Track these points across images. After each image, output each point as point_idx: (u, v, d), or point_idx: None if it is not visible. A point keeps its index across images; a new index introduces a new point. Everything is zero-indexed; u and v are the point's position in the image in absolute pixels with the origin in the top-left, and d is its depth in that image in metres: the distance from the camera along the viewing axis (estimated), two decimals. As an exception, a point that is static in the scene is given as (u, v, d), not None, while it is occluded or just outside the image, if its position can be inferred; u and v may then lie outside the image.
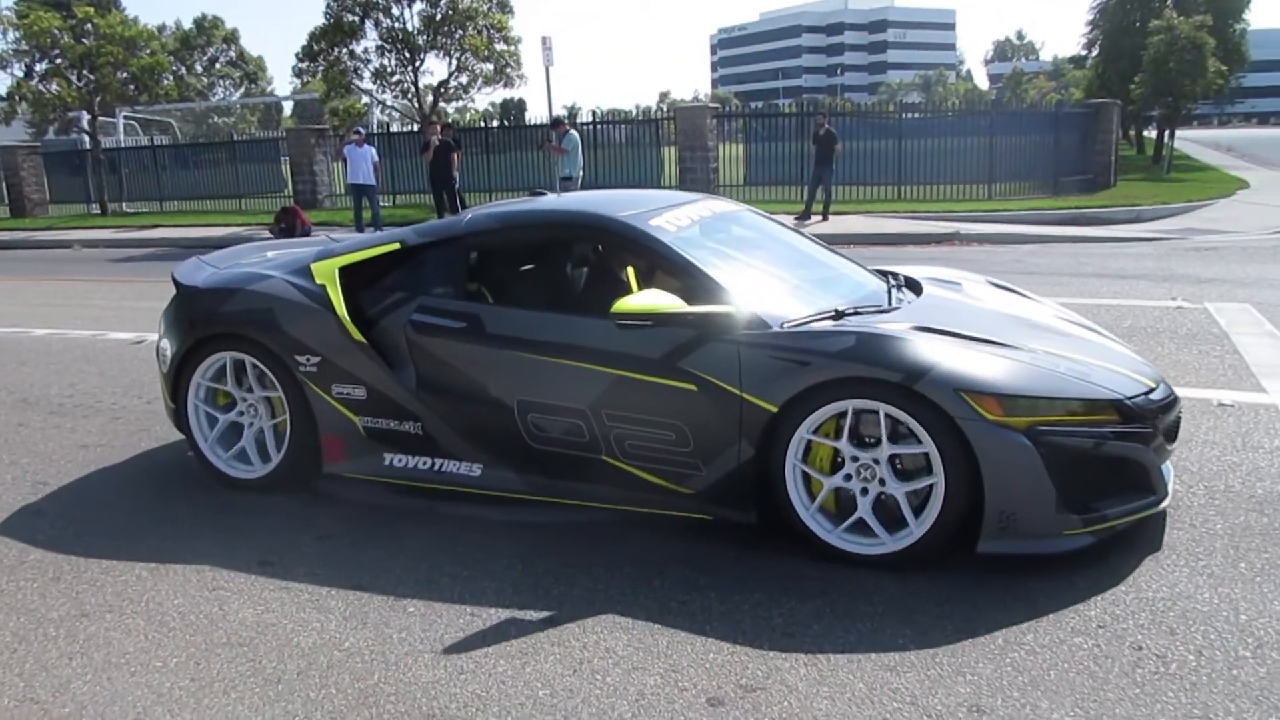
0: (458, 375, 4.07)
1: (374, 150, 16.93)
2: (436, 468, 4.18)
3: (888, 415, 3.38)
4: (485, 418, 4.03)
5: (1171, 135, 28.39)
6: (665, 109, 56.59)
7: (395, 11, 21.52)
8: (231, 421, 4.52)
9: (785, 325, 3.65)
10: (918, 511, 3.42)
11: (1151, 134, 35.46)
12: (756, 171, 20.77)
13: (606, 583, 3.50)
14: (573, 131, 16.58)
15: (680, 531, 3.84)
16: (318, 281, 4.30)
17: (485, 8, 21.73)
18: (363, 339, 4.17)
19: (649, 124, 22.08)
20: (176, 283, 4.67)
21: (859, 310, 3.91)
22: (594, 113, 34.98)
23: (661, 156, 20.79)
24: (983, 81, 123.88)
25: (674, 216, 4.25)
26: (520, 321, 4.05)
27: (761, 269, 4.38)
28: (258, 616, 3.33)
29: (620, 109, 67.50)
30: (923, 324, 3.73)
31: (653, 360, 3.69)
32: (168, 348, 4.54)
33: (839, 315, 3.78)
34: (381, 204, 17.98)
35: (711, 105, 23.06)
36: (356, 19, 21.50)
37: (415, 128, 22.16)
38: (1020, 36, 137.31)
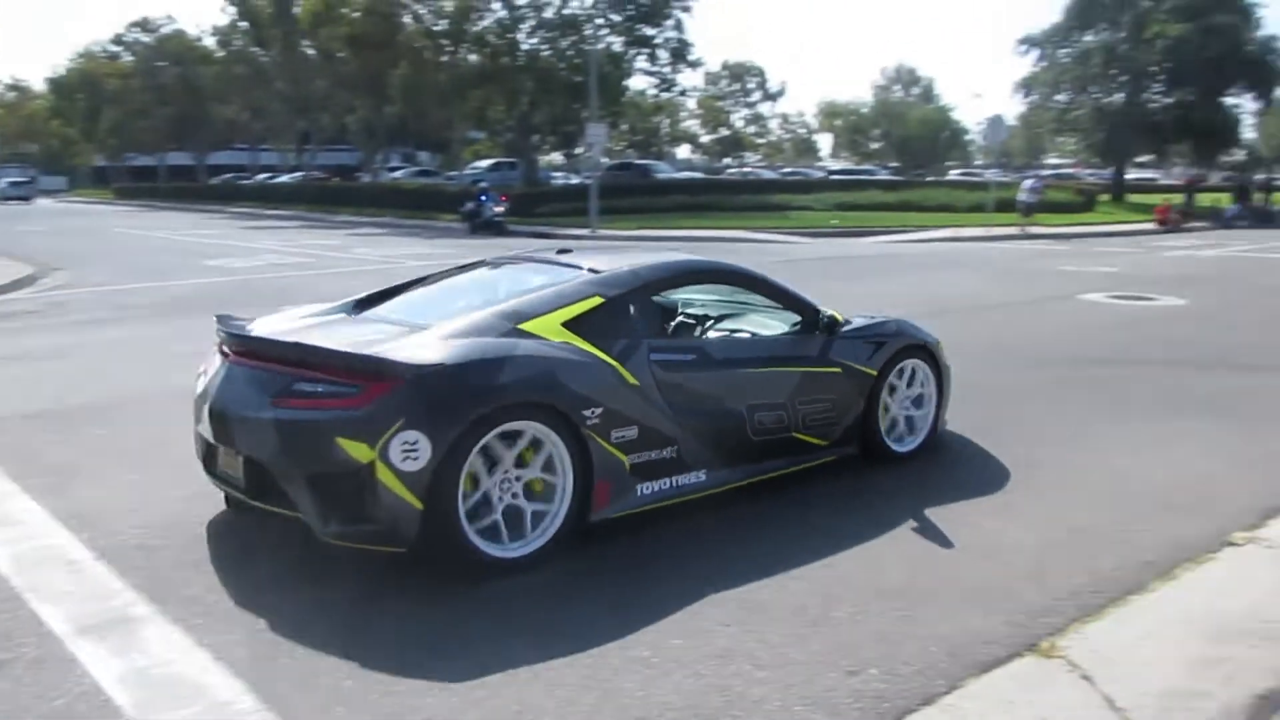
0: (700, 397, 4.82)
1: None
2: (675, 485, 4.72)
3: (922, 366, 5.87)
4: (723, 426, 4.90)
5: None
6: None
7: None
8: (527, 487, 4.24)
9: (850, 323, 5.67)
10: (921, 421, 5.92)
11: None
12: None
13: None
14: None
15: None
16: (555, 339, 4.42)
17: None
18: (636, 382, 4.53)
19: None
20: (391, 364, 3.96)
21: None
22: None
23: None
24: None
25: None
26: (737, 345, 5.38)
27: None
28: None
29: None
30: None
31: (816, 358, 5.38)
32: (421, 443, 3.82)
33: (832, 320, 5.54)
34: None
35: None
36: None
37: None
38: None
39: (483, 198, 28.08)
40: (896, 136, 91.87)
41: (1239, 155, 79.38)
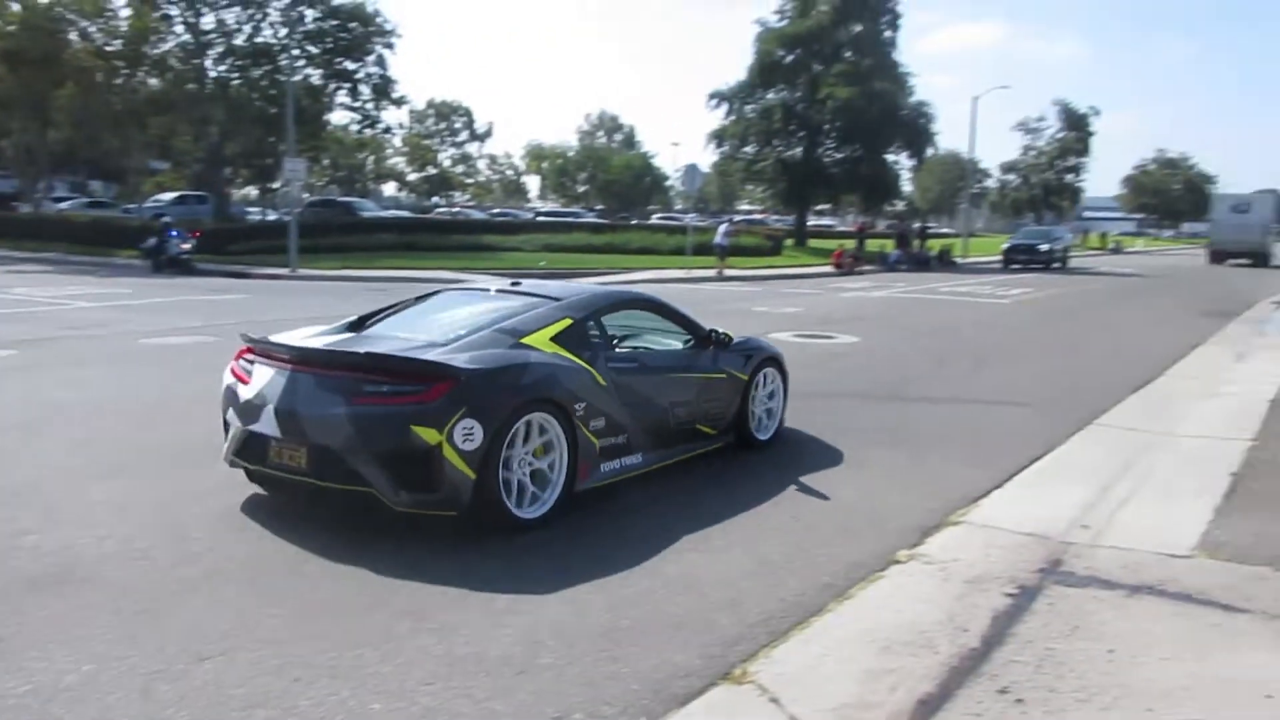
0: (641, 396, 6.16)
1: None
2: (623, 465, 6.03)
3: (774, 373, 7.57)
4: (654, 418, 6.28)
5: None
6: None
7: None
8: (534, 470, 5.38)
9: (724, 339, 7.16)
10: (773, 415, 7.60)
11: None
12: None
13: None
14: None
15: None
16: (548, 350, 5.67)
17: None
18: (605, 383, 5.85)
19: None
20: (449, 368, 5.04)
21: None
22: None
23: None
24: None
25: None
26: (662, 356, 6.84)
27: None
28: None
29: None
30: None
31: (710, 366, 6.92)
32: (475, 428, 4.92)
33: (721, 336, 7.17)
34: None
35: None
36: None
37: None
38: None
39: (171, 233, 25.92)
40: (602, 180, 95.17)
41: (900, 205, 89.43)
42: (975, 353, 13.51)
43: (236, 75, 38.19)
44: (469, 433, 4.90)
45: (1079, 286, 29.51)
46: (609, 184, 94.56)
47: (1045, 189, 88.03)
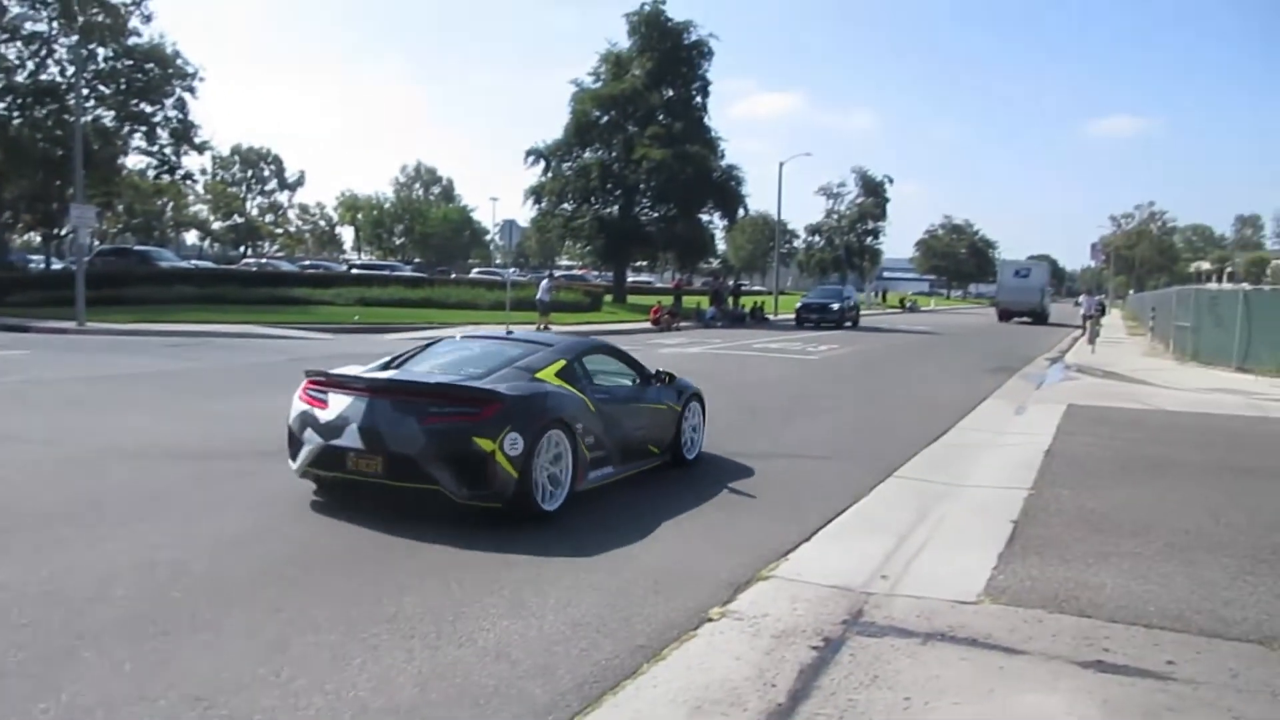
0: (614, 421, 7.83)
1: None
2: (603, 474, 7.66)
3: (697, 406, 9.42)
4: (622, 437, 7.94)
5: None
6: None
7: None
8: (549, 474, 6.95)
9: (666, 379, 9.02)
10: (697, 440, 9.53)
11: None
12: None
13: None
14: None
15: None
16: (555, 383, 7.41)
17: None
18: (594, 409, 7.58)
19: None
20: (499, 394, 6.72)
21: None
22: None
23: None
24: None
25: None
26: (625, 389, 8.53)
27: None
28: None
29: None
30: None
31: (656, 398, 8.70)
32: (518, 439, 6.55)
33: (664, 375, 9.12)
34: None
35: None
36: None
37: None
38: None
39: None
40: (419, 233, 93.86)
41: (715, 263, 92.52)
42: (785, 407, 14.05)
43: (17, 114, 35.46)
44: (514, 442, 6.52)
45: (881, 343, 31.30)
46: (427, 237, 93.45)
47: (848, 250, 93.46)
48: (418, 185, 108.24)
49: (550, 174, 46.61)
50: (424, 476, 6.52)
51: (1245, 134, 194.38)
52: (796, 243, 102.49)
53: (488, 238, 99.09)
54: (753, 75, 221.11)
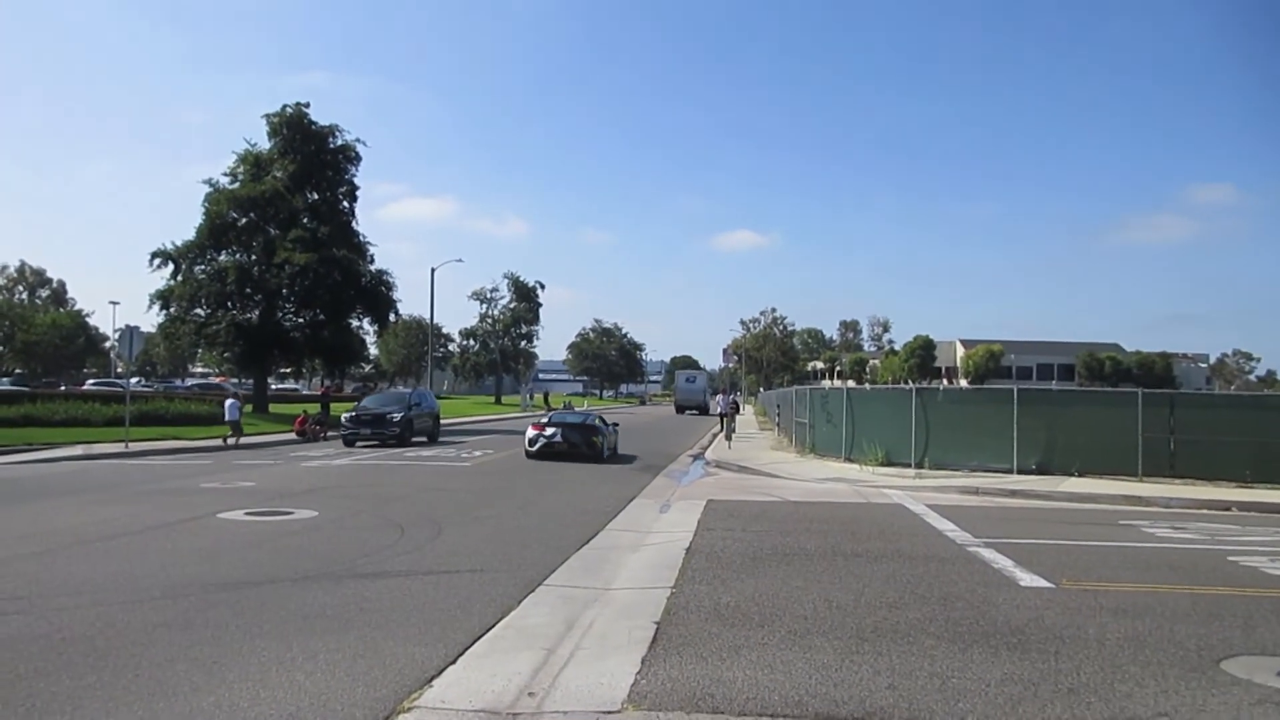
0: (609, 435, 27.64)
1: None
2: (608, 456, 26.99)
3: (614, 429, 30.27)
4: (611, 442, 27.84)
5: None
6: None
7: None
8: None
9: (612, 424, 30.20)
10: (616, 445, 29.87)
11: None
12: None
13: None
14: None
15: None
16: (606, 422, 28.60)
17: None
18: (609, 431, 27.79)
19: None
20: (606, 422, 28.67)
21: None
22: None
23: None
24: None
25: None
26: (608, 426, 28.43)
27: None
28: None
29: None
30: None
31: (609, 429, 28.39)
32: (609, 436, 27.95)
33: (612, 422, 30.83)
34: None
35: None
36: None
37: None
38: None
39: None
40: (22, 341, 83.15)
41: (367, 368, 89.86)
42: (436, 518, 13.70)
43: None
44: (607, 437, 26.69)
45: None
46: (32, 345, 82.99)
47: (503, 354, 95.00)
48: (20, 288, 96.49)
49: (180, 277, 43.26)
50: (585, 450, 25.30)
51: (841, 249, 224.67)
52: (452, 346, 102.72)
53: (107, 344, 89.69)
54: (405, 180, 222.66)
